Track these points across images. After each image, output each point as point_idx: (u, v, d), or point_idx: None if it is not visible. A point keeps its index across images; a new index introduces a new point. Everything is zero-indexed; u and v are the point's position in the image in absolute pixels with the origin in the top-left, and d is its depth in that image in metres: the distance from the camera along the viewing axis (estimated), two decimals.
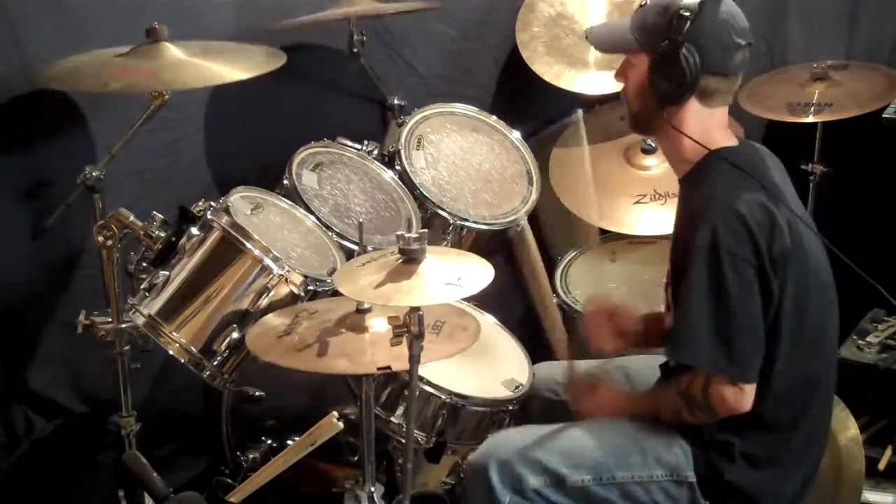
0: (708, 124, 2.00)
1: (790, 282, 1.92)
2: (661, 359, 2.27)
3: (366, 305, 2.00)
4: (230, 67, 2.40)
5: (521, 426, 2.25)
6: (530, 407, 2.41)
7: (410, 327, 1.77)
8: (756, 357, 1.92)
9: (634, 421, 2.10)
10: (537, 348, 2.61)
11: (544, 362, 2.52)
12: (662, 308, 2.25)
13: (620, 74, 2.08)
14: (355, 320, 2.01)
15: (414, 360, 1.79)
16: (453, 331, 2.06)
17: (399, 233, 1.84)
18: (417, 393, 2.06)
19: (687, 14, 1.91)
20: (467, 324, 2.09)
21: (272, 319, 2.14)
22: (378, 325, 1.99)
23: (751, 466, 2.00)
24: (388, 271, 1.83)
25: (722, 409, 1.94)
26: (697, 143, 1.98)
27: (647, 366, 2.31)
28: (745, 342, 1.91)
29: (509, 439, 2.11)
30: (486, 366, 2.44)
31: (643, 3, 2.01)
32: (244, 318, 2.26)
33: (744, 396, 1.93)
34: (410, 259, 1.82)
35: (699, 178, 2.00)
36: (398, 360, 1.88)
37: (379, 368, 1.90)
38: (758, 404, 1.95)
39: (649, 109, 2.02)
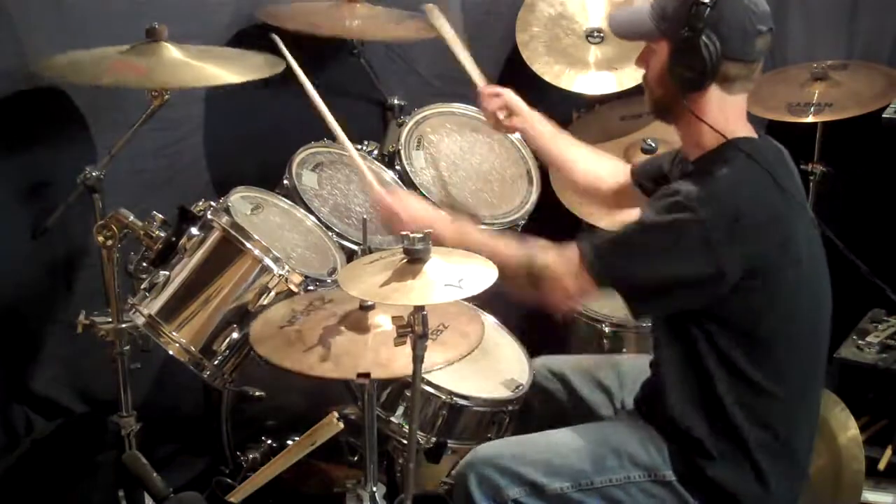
0: (727, 111, 1.99)
1: (784, 284, 1.91)
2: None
3: (369, 302, 2.01)
4: (225, 70, 2.39)
5: (501, 438, 2.28)
6: (531, 401, 2.41)
7: (414, 327, 1.77)
8: (627, 285, 1.96)
9: (608, 423, 2.13)
10: (537, 348, 2.61)
11: (541, 356, 2.53)
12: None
13: (641, 61, 2.08)
14: (356, 319, 2.02)
15: (418, 360, 1.79)
16: (451, 337, 2.05)
17: (405, 232, 1.84)
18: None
19: (707, 1, 1.89)
20: (470, 330, 2.08)
21: (277, 310, 2.16)
22: (380, 325, 2.00)
23: (731, 464, 1.99)
24: (392, 271, 1.83)
25: (549, 286, 2.00)
26: (717, 131, 1.97)
27: (639, 365, 2.31)
28: (631, 267, 1.95)
29: (488, 451, 2.12)
30: (486, 366, 2.44)
31: None
32: (244, 318, 2.26)
33: (577, 294, 2.00)
34: (415, 259, 1.82)
35: (711, 163, 1.97)
36: (380, 367, 1.91)
37: (359, 375, 1.90)
38: (748, 403, 1.96)
39: (670, 96, 2.01)
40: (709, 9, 1.89)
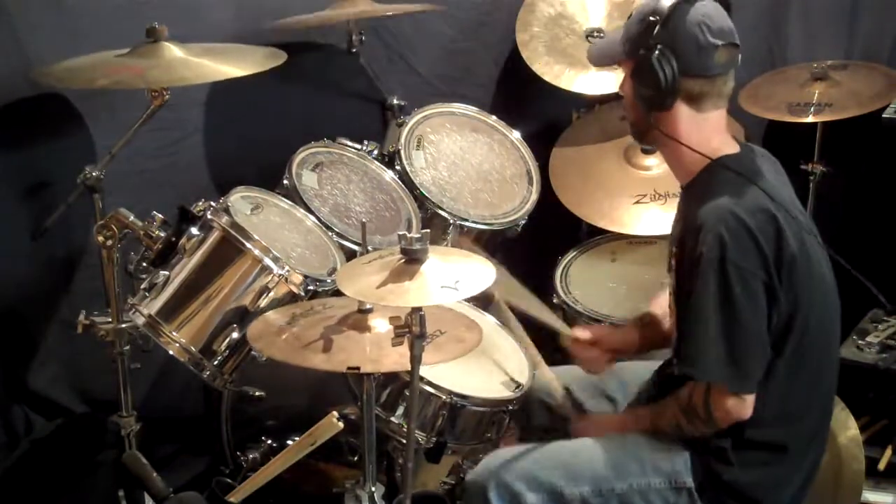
0: (705, 129, 1.99)
1: (797, 289, 1.92)
2: (655, 365, 2.28)
3: (367, 306, 2.00)
4: (228, 65, 2.40)
5: (519, 446, 2.26)
6: (530, 410, 2.41)
7: (412, 328, 1.77)
8: (760, 368, 1.93)
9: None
10: (537, 348, 2.61)
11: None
12: (664, 311, 2.26)
13: (621, 87, 2.08)
14: (355, 321, 2.01)
15: (415, 360, 1.79)
16: (447, 342, 2.04)
17: (401, 232, 1.84)
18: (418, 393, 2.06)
19: (655, 19, 1.91)
20: (467, 337, 2.08)
21: (277, 313, 2.15)
22: (378, 327, 2.00)
23: (749, 468, 2.00)
24: (389, 271, 1.83)
25: (723, 420, 1.95)
26: (693, 150, 1.97)
27: (642, 371, 2.32)
28: (751, 355, 1.91)
29: (506, 458, 2.11)
30: (486, 366, 2.44)
31: (631, 14, 2.01)
32: (244, 318, 2.26)
33: (745, 406, 1.93)
34: (412, 259, 1.82)
35: (702, 188, 1.97)
36: (371, 362, 1.90)
37: (349, 368, 1.90)
38: (759, 408, 1.96)
39: (641, 118, 2.02)
40: (658, 26, 1.90)
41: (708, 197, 1.93)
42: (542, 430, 2.34)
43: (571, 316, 2.85)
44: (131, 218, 2.31)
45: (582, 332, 2.34)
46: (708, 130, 1.99)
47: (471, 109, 3.06)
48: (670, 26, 1.91)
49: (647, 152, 3.06)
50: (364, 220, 2.52)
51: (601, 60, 2.18)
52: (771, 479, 2.02)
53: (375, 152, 2.89)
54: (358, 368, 1.90)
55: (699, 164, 1.99)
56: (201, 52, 2.43)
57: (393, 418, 2.32)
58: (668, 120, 1.98)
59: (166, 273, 2.28)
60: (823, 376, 2.05)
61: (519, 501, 2.02)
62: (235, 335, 2.26)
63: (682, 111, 1.97)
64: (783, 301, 1.91)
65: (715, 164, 1.97)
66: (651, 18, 1.92)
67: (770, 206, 1.90)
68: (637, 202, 2.99)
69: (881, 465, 2.74)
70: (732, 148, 2.02)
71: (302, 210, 2.55)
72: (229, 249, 2.27)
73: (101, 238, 2.30)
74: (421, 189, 2.77)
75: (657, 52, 1.91)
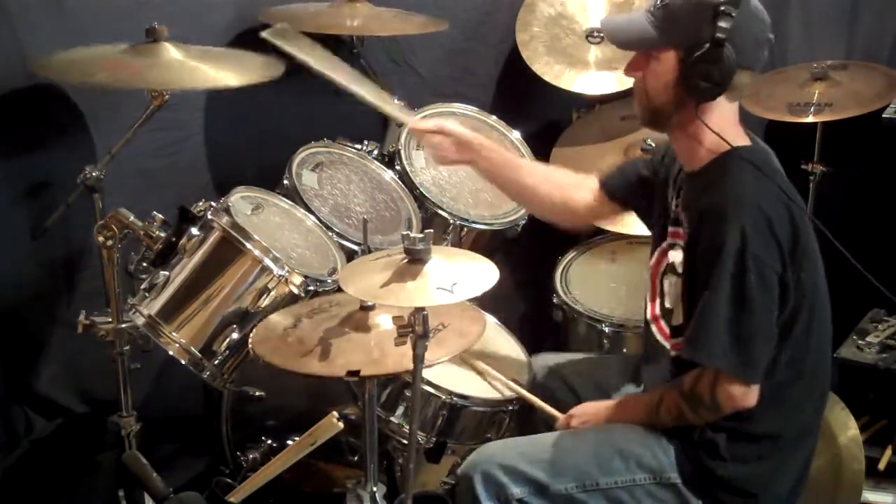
0: (725, 118, 1.98)
1: (805, 283, 1.93)
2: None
3: (369, 303, 2.00)
4: (224, 72, 2.38)
5: (505, 438, 2.27)
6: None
7: (415, 327, 1.77)
8: (765, 359, 1.94)
9: (617, 425, 2.11)
10: (537, 348, 2.61)
11: (541, 354, 2.52)
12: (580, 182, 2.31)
13: (636, 69, 2.01)
14: (357, 320, 2.02)
15: (418, 360, 1.79)
16: (449, 336, 2.04)
17: (405, 232, 1.84)
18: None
19: (728, 11, 1.86)
20: (469, 330, 2.08)
21: (281, 315, 2.15)
22: (380, 325, 1.99)
23: (743, 463, 2.00)
24: (393, 270, 1.83)
25: (729, 407, 1.95)
26: (723, 139, 1.96)
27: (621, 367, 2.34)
28: (760, 345, 1.92)
29: (493, 451, 2.11)
30: (487, 366, 2.44)
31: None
32: (244, 319, 2.26)
33: (750, 394, 1.94)
34: (415, 259, 1.82)
35: (718, 176, 1.96)
36: (372, 365, 1.90)
37: (349, 373, 1.90)
38: (765, 405, 1.96)
39: (677, 105, 1.97)
40: (724, 16, 1.86)
41: (725, 187, 1.93)
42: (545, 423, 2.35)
43: (571, 316, 2.85)
44: (131, 218, 2.31)
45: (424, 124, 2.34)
46: (728, 119, 1.99)
47: (471, 109, 3.06)
48: (737, 19, 1.87)
49: (646, 152, 3.05)
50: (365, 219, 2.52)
51: (626, 43, 2.03)
52: (766, 472, 2.02)
53: (375, 152, 2.89)
54: (357, 373, 1.89)
55: (714, 151, 1.99)
56: (200, 55, 2.42)
57: (393, 418, 2.32)
58: (705, 109, 1.96)
59: (166, 273, 2.28)
60: (818, 372, 2.05)
61: (504, 494, 2.02)
62: (235, 335, 2.26)
63: (721, 101, 1.96)
64: (792, 295, 1.92)
65: (731, 155, 1.97)
66: (723, 10, 1.86)
67: (785, 199, 1.91)
68: None
69: (881, 465, 2.74)
70: (745, 139, 2.02)
71: (302, 210, 2.55)
72: (229, 250, 2.27)
73: (101, 238, 2.30)
74: (421, 189, 2.77)
75: (724, 43, 1.86)
